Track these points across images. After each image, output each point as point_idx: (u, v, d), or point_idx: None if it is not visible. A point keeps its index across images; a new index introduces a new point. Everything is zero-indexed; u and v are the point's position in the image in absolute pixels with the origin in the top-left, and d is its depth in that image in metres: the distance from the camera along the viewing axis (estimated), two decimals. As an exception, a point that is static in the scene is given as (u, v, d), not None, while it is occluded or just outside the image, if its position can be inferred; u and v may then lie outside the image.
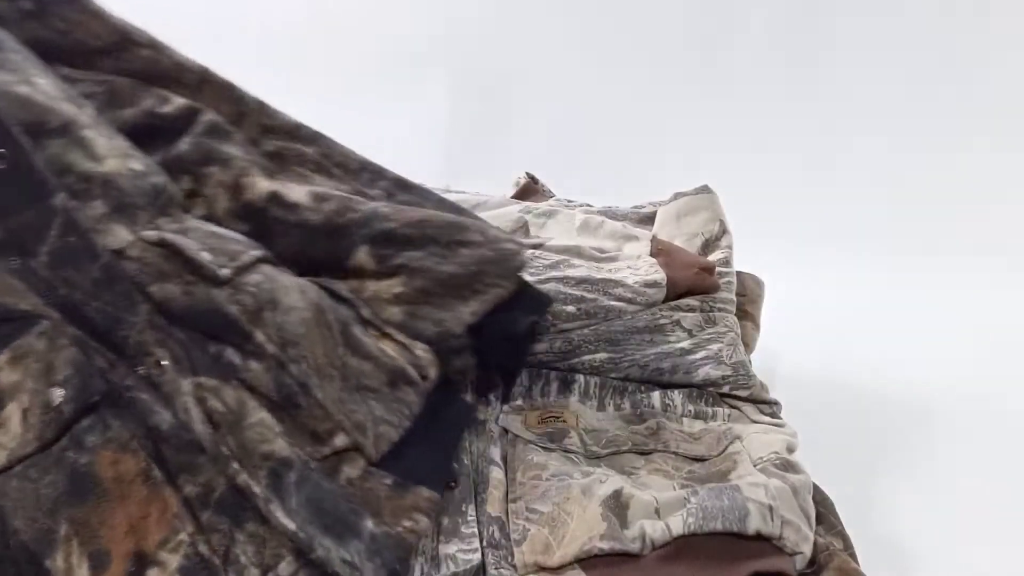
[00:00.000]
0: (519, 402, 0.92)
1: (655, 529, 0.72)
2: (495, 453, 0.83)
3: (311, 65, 1.64)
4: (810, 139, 1.57)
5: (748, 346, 1.02)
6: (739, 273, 1.05)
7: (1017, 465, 0.99)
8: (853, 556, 0.79)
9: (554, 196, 1.21)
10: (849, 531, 0.82)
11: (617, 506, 0.74)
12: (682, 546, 0.71)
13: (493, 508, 0.77)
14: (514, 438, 0.86)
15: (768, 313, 1.05)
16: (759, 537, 0.72)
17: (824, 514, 0.81)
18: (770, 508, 0.73)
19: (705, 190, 1.09)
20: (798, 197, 1.52)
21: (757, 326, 1.05)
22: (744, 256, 1.08)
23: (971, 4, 1.54)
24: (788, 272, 1.19)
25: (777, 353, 0.95)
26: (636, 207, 1.12)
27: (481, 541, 0.74)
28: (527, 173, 1.23)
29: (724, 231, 1.07)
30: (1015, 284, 1.35)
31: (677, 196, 1.09)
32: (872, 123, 1.58)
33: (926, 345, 1.24)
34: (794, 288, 1.19)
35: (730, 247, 1.06)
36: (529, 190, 1.22)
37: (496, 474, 0.80)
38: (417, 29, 1.62)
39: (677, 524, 0.72)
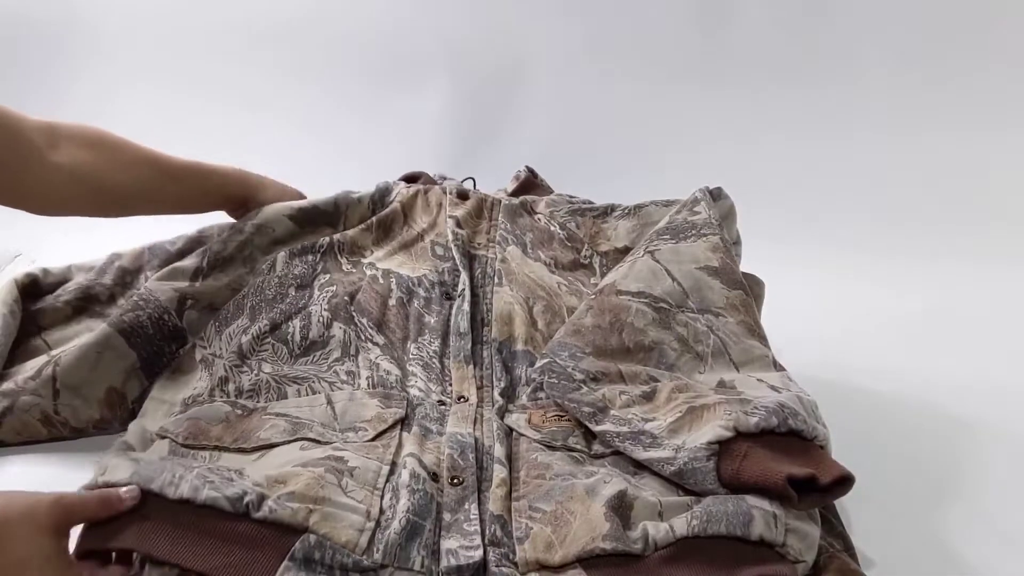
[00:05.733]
0: (523, 401, 0.92)
1: (658, 530, 0.72)
2: (499, 451, 0.83)
3: (313, 65, 1.64)
4: (813, 142, 1.57)
5: (749, 346, 1.02)
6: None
7: (1018, 464, 0.99)
8: (853, 556, 0.80)
9: (554, 192, 1.20)
10: (849, 531, 0.83)
11: (621, 507, 0.74)
12: (685, 548, 0.71)
13: (495, 506, 0.76)
14: (518, 436, 0.86)
15: (768, 313, 1.05)
16: (762, 543, 0.72)
17: (825, 515, 0.82)
18: (774, 516, 0.73)
19: (724, 195, 1.08)
20: (800, 199, 1.52)
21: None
22: (744, 256, 1.08)
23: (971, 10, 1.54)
24: (789, 272, 1.19)
25: (777, 353, 0.95)
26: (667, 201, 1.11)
27: (483, 538, 0.74)
28: (527, 167, 1.22)
29: (738, 239, 1.08)
30: (1016, 285, 1.35)
31: (715, 196, 1.07)
32: (874, 125, 1.57)
33: (927, 345, 1.24)
34: (795, 288, 1.19)
35: (739, 256, 1.06)
36: (529, 184, 1.21)
37: (499, 472, 0.80)
38: (418, 29, 1.62)
39: (681, 526, 0.72)
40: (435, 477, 0.79)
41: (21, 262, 1.39)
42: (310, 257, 1.05)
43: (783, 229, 1.40)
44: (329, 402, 0.89)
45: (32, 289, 1.04)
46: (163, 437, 0.84)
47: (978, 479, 0.97)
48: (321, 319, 0.98)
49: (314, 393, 0.91)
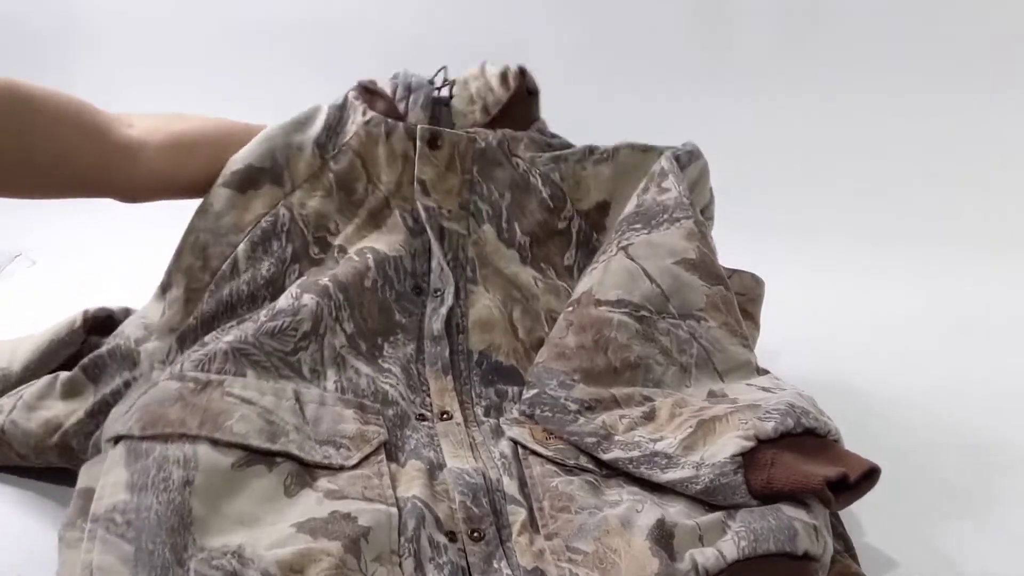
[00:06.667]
0: (514, 415, 0.86)
1: (706, 557, 0.67)
2: (509, 486, 0.76)
3: (311, 65, 1.61)
4: (815, 141, 1.58)
5: (748, 345, 1.00)
6: (739, 272, 1.01)
7: (1019, 465, 0.99)
8: (854, 558, 0.78)
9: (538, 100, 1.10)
10: (850, 532, 0.81)
11: (662, 537, 0.69)
12: (735, 572, 0.67)
13: (525, 559, 0.69)
14: (527, 455, 0.80)
15: (768, 312, 1.03)
16: (806, 557, 0.69)
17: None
18: (815, 528, 0.70)
19: (695, 157, 1.03)
20: (801, 196, 1.53)
21: (757, 325, 1.02)
22: (745, 254, 1.05)
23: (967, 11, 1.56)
24: (789, 271, 1.17)
25: (777, 353, 0.93)
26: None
27: None
28: (519, 67, 1.07)
29: (710, 200, 1.03)
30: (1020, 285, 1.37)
31: (683, 163, 1.00)
32: (876, 122, 1.59)
33: (930, 345, 1.24)
34: (795, 287, 1.17)
35: (711, 219, 1.02)
36: (518, 100, 1.04)
37: (518, 515, 0.73)
38: (417, 29, 1.59)
39: (730, 550, 0.68)
40: (452, 536, 0.72)
41: (21, 262, 1.42)
42: (275, 245, 0.92)
43: (785, 229, 1.41)
44: (298, 399, 0.80)
45: (107, 323, 0.96)
46: (117, 441, 0.75)
47: (979, 480, 0.96)
48: (292, 294, 0.89)
49: (277, 381, 0.82)
